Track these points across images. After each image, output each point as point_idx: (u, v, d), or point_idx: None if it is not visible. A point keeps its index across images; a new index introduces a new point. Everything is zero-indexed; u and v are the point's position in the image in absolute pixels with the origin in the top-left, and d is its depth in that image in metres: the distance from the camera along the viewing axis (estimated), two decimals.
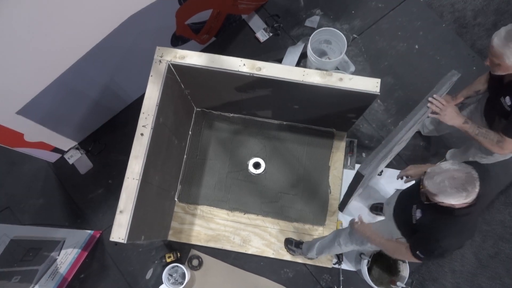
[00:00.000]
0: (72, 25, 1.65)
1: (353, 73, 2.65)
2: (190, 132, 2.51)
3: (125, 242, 1.54)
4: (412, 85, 2.61)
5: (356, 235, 1.55)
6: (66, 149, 2.53)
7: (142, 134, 1.66)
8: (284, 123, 2.50)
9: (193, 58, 1.73)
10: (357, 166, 2.47)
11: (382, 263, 2.13)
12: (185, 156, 2.47)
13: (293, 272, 2.30)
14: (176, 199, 2.38)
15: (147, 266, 2.35)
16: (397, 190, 1.69)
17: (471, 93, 1.66)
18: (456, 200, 1.07)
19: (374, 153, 1.43)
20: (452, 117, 1.49)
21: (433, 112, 1.51)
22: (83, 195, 2.49)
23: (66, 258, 2.19)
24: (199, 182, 2.43)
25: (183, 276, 2.24)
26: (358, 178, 1.47)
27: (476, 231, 1.47)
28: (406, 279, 2.03)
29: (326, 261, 2.25)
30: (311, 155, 2.42)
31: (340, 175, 2.39)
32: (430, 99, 1.51)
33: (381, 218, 1.95)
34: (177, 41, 2.40)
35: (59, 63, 1.82)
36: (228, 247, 2.31)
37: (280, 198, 2.37)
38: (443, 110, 1.49)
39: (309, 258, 2.19)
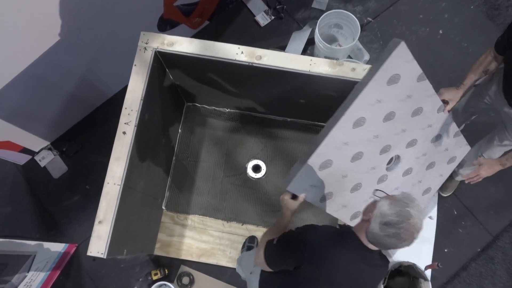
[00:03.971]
0: (41, 4, 1.64)
1: (368, 62, 2.65)
2: (180, 130, 2.51)
3: (105, 257, 1.53)
4: (435, 75, 2.61)
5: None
6: (37, 150, 2.53)
7: (124, 133, 1.65)
8: (288, 119, 2.49)
9: (183, 45, 1.72)
10: None
11: (401, 282, 2.13)
12: (174, 158, 2.46)
13: None
14: (163, 208, 2.38)
15: (130, 285, 2.35)
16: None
17: (478, 75, 1.71)
18: None
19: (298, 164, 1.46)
20: (490, 171, 1.74)
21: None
22: (56, 202, 2.48)
23: (37, 276, 2.18)
24: (190, 188, 2.42)
25: None
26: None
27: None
28: None
29: None
30: None
31: None
32: (466, 180, 1.80)
33: None
34: (165, 26, 2.39)
35: (27, 52, 1.82)
36: (223, 262, 2.30)
37: None
38: (480, 175, 1.75)
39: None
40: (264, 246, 1.34)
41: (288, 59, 1.68)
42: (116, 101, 2.57)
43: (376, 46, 2.69)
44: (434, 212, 2.43)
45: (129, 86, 1.70)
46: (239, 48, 1.70)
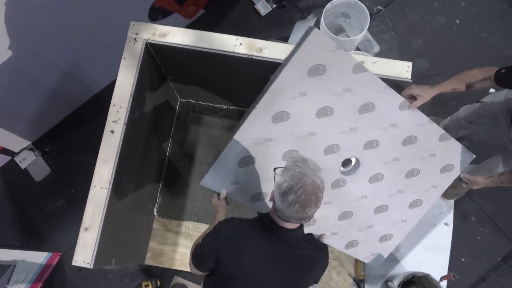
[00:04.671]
0: None
1: (378, 55, 2.64)
2: (173, 129, 2.51)
3: (92, 267, 1.53)
4: (452, 69, 2.60)
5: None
6: (17, 150, 2.53)
7: (112, 132, 1.65)
8: None
9: (176, 36, 1.72)
10: None
11: None
12: (166, 159, 2.46)
13: None
14: (155, 213, 2.38)
15: None
16: None
17: (460, 86, 1.67)
18: None
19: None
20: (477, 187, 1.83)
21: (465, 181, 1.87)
22: (38, 207, 2.48)
23: None
24: (184, 192, 2.42)
25: None
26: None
27: None
28: None
29: None
30: None
31: None
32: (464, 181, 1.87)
33: None
34: (157, 15, 2.38)
35: (4, 43, 1.80)
36: None
37: None
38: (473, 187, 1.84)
39: None
40: (192, 250, 1.38)
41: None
42: (104, 97, 2.56)
43: (387, 37, 2.68)
44: (450, 218, 2.43)
45: (117, 81, 1.69)
46: (237, 39, 1.70)
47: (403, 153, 1.73)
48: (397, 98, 1.63)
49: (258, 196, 1.61)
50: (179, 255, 2.32)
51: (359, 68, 1.51)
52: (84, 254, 1.54)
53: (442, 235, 2.40)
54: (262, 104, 1.46)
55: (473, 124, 2.11)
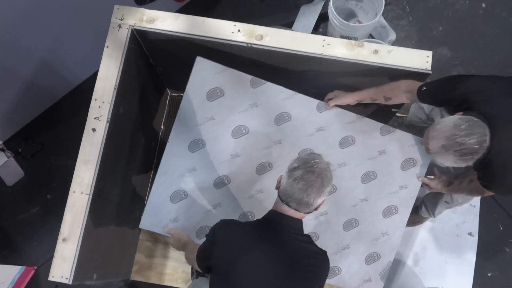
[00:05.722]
0: None
1: (394, 43, 2.65)
2: (162, 127, 2.51)
3: (70, 282, 1.53)
4: (477, 59, 2.61)
5: None
6: None
7: (94, 130, 1.65)
8: None
9: (166, 21, 1.72)
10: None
11: None
12: (155, 161, 2.46)
13: None
14: None
15: None
16: None
17: (377, 99, 1.76)
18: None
19: None
20: (439, 188, 1.84)
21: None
22: (10, 215, 2.48)
23: None
24: None
25: None
26: None
27: None
28: None
29: None
30: None
31: None
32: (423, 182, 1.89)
33: None
34: None
35: None
36: None
37: None
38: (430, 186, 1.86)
39: None
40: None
41: (295, 39, 1.68)
42: (84, 91, 2.56)
43: (404, 23, 2.69)
44: (474, 228, 2.43)
45: (99, 73, 1.69)
46: (235, 25, 1.70)
47: (346, 157, 1.83)
48: (311, 101, 1.81)
49: (202, 232, 1.77)
50: (169, 269, 2.32)
51: (256, 81, 1.76)
52: (62, 268, 1.54)
53: (466, 246, 2.41)
54: (172, 136, 1.76)
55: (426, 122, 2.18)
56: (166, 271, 2.32)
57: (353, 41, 1.68)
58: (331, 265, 1.75)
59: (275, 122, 1.79)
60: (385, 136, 1.84)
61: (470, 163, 1.38)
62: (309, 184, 1.22)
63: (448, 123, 1.37)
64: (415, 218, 2.34)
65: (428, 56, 1.66)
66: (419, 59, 1.66)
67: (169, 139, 1.76)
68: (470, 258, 2.39)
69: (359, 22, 2.64)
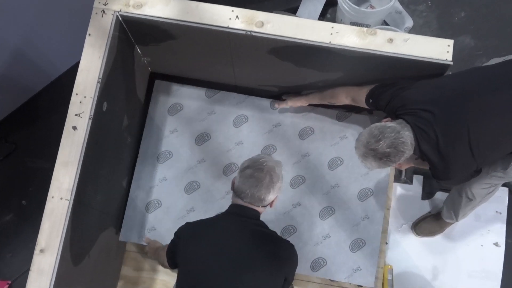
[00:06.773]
0: None
1: (410, 31, 2.66)
2: None
3: None
4: (504, 49, 2.61)
5: None
6: None
7: (75, 128, 1.66)
8: None
9: (155, 6, 1.72)
10: (417, 178, 2.48)
11: None
12: None
13: None
14: None
15: None
16: None
17: (324, 103, 2.05)
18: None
19: None
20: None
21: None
22: None
23: None
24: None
25: None
26: None
27: None
28: None
29: None
30: None
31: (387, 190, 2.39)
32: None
33: None
34: None
35: None
36: None
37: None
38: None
39: None
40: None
41: (300, 27, 1.68)
42: (64, 84, 2.57)
43: (422, 8, 2.69)
44: (501, 237, 2.44)
45: (81, 64, 1.70)
46: (233, 11, 1.70)
47: (309, 147, 2.17)
48: (263, 101, 2.21)
49: None
50: (159, 283, 2.33)
51: (211, 92, 2.23)
52: (39, 283, 1.54)
53: (491, 258, 2.42)
54: (141, 152, 2.20)
55: None
56: (155, 286, 2.32)
57: (365, 29, 1.68)
58: (314, 257, 2.04)
59: (234, 125, 2.18)
60: (343, 122, 2.13)
61: (393, 164, 1.65)
62: (259, 180, 1.50)
63: (365, 132, 1.66)
64: (435, 226, 2.36)
65: (449, 45, 1.66)
66: (438, 49, 1.66)
67: (138, 155, 2.18)
68: (496, 271, 2.40)
69: (372, 7, 2.65)
